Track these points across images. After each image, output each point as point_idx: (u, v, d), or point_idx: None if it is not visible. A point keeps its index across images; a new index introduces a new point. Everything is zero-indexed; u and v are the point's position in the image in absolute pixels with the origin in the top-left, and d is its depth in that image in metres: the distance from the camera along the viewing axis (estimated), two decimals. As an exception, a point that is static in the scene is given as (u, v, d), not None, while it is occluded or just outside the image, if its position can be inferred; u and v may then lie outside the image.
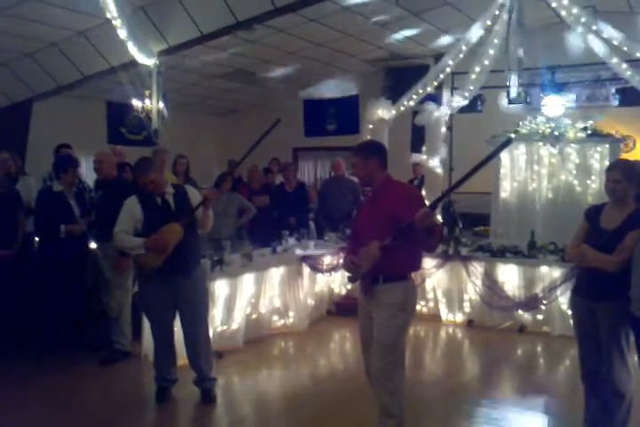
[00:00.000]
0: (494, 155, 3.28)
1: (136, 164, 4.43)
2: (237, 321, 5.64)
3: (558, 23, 6.99)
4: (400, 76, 10.60)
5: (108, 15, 7.13)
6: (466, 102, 7.67)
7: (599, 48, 6.68)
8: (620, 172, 3.56)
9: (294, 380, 5.17)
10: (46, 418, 4.21)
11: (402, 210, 3.29)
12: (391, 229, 3.29)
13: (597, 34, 6.62)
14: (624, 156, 7.47)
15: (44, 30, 7.57)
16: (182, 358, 4.61)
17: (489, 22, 7.14)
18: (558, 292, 5.83)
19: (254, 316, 5.91)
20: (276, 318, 6.20)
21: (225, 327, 5.53)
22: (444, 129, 8.01)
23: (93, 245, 5.62)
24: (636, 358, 3.44)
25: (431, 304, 6.80)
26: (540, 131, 7.20)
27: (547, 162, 7.31)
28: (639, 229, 3.36)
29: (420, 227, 3.17)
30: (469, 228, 7.51)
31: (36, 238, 5.77)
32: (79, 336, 5.58)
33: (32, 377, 4.89)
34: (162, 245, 4.15)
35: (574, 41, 7.42)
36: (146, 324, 4.95)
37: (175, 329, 4.55)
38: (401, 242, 3.28)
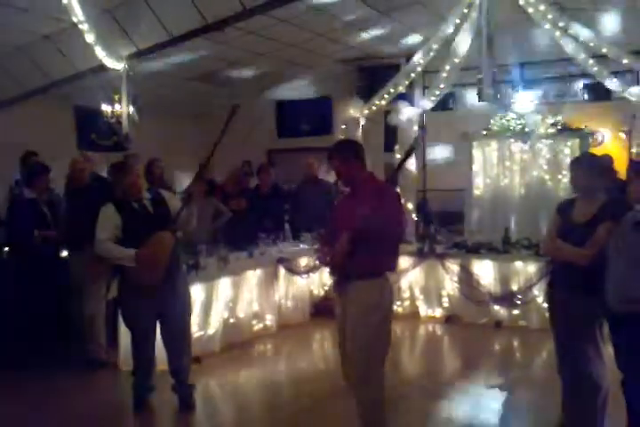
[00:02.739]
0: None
1: (113, 167, 4.37)
2: (214, 326, 5.59)
3: (527, 20, 7.04)
4: (372, 75, 10.60)
5: (74, 19, 7.03)
6: (435, 101, 7.70)
7: (566, 45, 6.76)
8: (581, 165, 3.64)
9: (274, 383, 5.15)
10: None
11: (376, 210, 3.28)
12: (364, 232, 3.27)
13: (564, 30, 6.69)
14: (593, 150, 7.56)
15: (8, 35, 7.43)
16: (161, 363, 4.55)
17: (458, 20, 7.18)
18: (535, 290, 5.89)
19: (232, 320, 5.85)
20: (254, 321, 6.15)
21: (202, 333, 5.47)
22: (416, 128, 8.04)
23: (65, 253, 5.53)
24: (610, 349, 3.47)
25: (407, 303, 6.82)
26: (511, 127, 7.27)
27: (518, 158, 7.40)
28: (610, 221, 3.39)
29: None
30: (444, 225, 7.54)
31: (6, 248, 5.66)
32: (52, 345, 5.48)
33: (2, 387, 4.80)
34: (157, 259, 4.07)
35: (542, 38, 7.50)
36: (122, 332, 4.87)
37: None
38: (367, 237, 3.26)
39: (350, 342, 3.46)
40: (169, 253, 4.12)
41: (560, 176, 7.21)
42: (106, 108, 8.10)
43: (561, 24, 6.67)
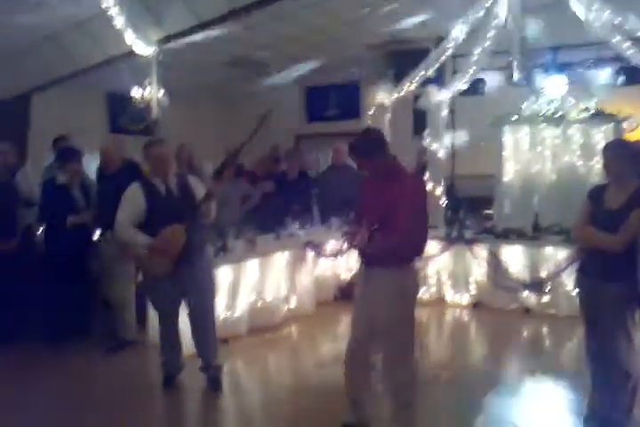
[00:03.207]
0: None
1: (146, 143, 4.41)
2: (241, 307, 5.65)
3: (559, 2, 6.89)
4: (401, 60, 10.48)
5: (104, 4, 7.08)
6: (465, 86, 7.61)
7: (601, 27, 6.60)
8: (614, 150, 3.59)
9: (300, 365, 5.20)
10: (53, 407, 4.23)
11: (400, 204, 3.28)
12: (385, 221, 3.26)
13: (598, 13, 6.53)
14: (628, 135, 7.40)
15: (39, 23, 7.51)
16: (188, 347, 4.62)
17: (489, 3, 7.06)
18: (564, 276, 5.83)
19: (259, 302, 5.91)
20: (280, 303, 6.20)
21: (229, 314, 5.54)
22: (445, 112, 7.96)
23: (97, 235, 5.62)
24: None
25: (434, 289, 6.80)
26: (543, 112, 7.15)
27: (550, 143, 7.26)
28: (642, 207, 3.33)
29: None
30: (473, 211, 7.48)
31: (40, 230, 5.78)
32: (84, 326, 5.60)
33: (37, 367, 4.93)
34: (168, 251, 4.12)
35: (575, 20, 7.33)
36: (151, 312, 4.97)
37: (181, 316, 4.56)
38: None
39: (382, 332, 3.49)
40: (180, 247, 4.15)
41: (592, 162, 7.07)
42: (136, 93, 8.15)
43: (595, 6, 6.52)
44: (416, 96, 8.07)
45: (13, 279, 5.36)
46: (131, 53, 7.84)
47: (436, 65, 7.61)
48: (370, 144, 3.47)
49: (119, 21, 7.27)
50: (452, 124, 8.81)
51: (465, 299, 6.62)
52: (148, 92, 8.15)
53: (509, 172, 7.46)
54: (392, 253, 3.36)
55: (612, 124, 7.07)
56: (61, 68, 8.41)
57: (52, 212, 5.38)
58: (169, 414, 4.24)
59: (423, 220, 3.54)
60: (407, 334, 3.51)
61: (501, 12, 6.99)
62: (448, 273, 6.70)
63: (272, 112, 4.14)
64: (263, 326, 5.90)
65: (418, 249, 3.58)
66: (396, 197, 3.32)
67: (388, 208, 3.30)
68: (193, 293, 4.37)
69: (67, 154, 5.58)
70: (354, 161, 3.63)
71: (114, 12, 7.13)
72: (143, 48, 7.80)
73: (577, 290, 3.85)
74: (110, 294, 5.45)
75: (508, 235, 6.45)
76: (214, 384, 4.49)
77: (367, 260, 3.54)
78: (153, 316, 4.88)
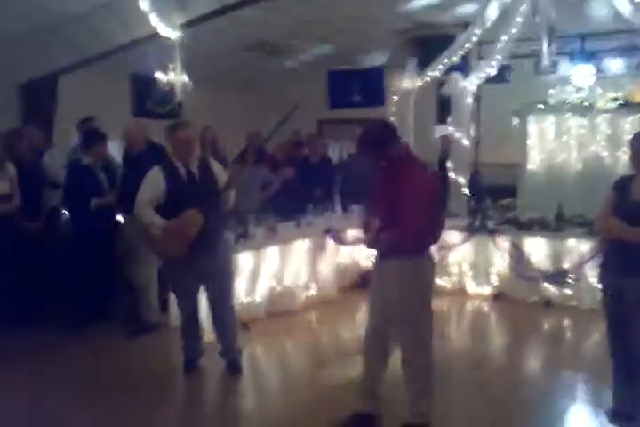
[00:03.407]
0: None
1: (171, 125, 4.43)
2: (261, 293, 5.69)
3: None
4: (426, 46, 10.36)
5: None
6: (493, 72, 7.50)
7: (631, 15, 6.46)
8: None
9: (320, 351, 5.23)
10: (75, 389, 4.30)
11: (406, 201, 3.29)
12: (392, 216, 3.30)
13: (630, 0, 6.40)
14: (656, 126, 7.27)
15: (66, 3, 7.54)
16: (208, 333, 4.67)
17: (517, -11, 6.94)
18: (586, 268, 5.77)
19: (278, 288, 5.94)
20: (300, 290, 6.23)
21: (249, 299, 5.58)
22: (470, 100, 7.87)
23: (121, 218, 5.67)
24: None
25: (455, 278, 6.78)
26: (569, 101, 7.04)
27: (576, 133, 7.16)
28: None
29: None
30: (496, 200, 7.42)
31: (65, 211, 5.84)
32: (108, 308, 5.68)
33: (61, 349, 5.00)
34: (182, 235, 4.14)
35: (605, 7, 7.18)
36: (173, 296, 5.02)
37: (201, 301, 4.60)
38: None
39: (398, 322, 3.52)
40: (195, 233, 4.16)
41: (619, 153, 6.97)
42: (160, 76, 8.16)
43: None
44: (441, 83, 7.98)
45: (38, 261, 5.43)
46: (156, 35, 7.85)
47: (462, 52, 7.52)
48: (378, 141, 3.43)
49: (144, 4, 7.27)
50: (477, 112, 8.72)
51: (486, 290, 6.59)
52: (172, 76, 8.16)
53: (534, 161, 7.38)
54: (404, 246, 3.37)
55: (640, 115, 6.94)
56: (88, 48, 8.43)
57: (76, 193, 5.43)
58: (188, 398, 4.29)
59: (436, 210, 3.54)
60: (423, 322, 3.53)
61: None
62: (469, 263, 6.67)
63: (298, 106, 4.12)
64: (283, 310, 5.93)
65: (432, 239, 3.59)
66: (408, 188, 3.32)
67: (399, 200, 3.32)
68: (211, 278, 4.41)
69: (91, 136, 5.63)
70: (363, 154, 3.58)
71: (139, -5, 7.12)
72: (168, 32, 7.80)
73: (600, 286, 3.81)
74: (134, 276, 5.49)
75: (531, 225, 6.38)
76: (234, 369, 4.53)
77: (380, 252, 3.57)
78: (174, 300, 4.93)
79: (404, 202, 3.29)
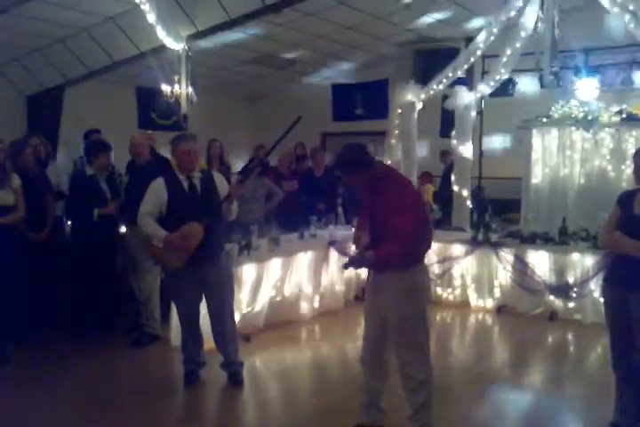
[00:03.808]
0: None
1: (175, 137, 4.46)
2: (263, 304, 5.68)
3: (592, 4, 6.79)
4: (430, 59, 10.44)
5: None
6: (494, 87, 7.53)
7: (635, 29, 6.49)
8: None
9: (321, 363, 5.21)
10: (76, 400, 4.28)
11: (389, 215, 3.32)
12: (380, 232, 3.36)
13: (634, 14, 6.42)
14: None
15: (74, 16, 7.62)
16: (209, 341, 4.66)
17: (521, 3, 6.98)
18: (591, 284, 5.75)
19: (281, 299, 5.93)
20: (302, 302, 6.22)
21: (251, 311, 5.57)
22: (474, 113, 7.89)
23: (124, 228, 5.68)
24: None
25: (458, 291, 6.76)
26: (573, 115, 7.04)
27: (579, 147, 7.15)
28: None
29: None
30: (499, 214, 7.41)
31: (68, 222, 5.85)
32: (109, 319, 5.66)
33: (62, 359, 4.98)
34: (183, 247, 4.16)
35: (609, 22, 7.21)
36: (174, 307, 5.00)
37: (201, 313, 4.59)
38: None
39: (393, 334, 3.51)
40: (195, 245, 4.17)
41: (623, 167, 6.96)
42: (165, 88, 8.22)
43: (631, 7, 6.40)
44: (444, 96, 8.02)
45: (42, 271, 5.43)
46: (162, 48, 7.92)
47: (466, 65, 7.55)
48: (355, 160, 3.45)
49: (150, 17, 7.34)
50: (481, 126, 8.75)
51: (489, 302, 6.57)
52: (177, 88, 8.22)
53: (537, 175, 7.37)
54: (395, 259, 3.37)
55: (645, 129, 6.94)
56: (95, 61, 8.52)
57: (79, 203, 5.45)
58: (189, 410, 4.27)
59: (423, 222, 3.54)
60: (419, 333, 3.52)
61: (533, 12, 6.91)
62: (473, 276, 6.65)
63: (301, 118, 4.19)
64: (285, 322, 5.92)
65: (423, 249, 3.60)
66: (392, 204, 3.35)
67: (385, 217, 3.35)
68: (211, 290, 4.41)
69: (96, 147, 5.65)
70: (352, 184, 3.66)
71: (146, 7, 7.20)
72: (173, 44, 7.88)
73: (603, 299, 3.79)
74: (136, 286, 5.48)
75: (535, 239, 6.38)
76: (235, 380, 4.52)
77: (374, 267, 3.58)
78: (175, 311, 4.92)
79: (391, 218, 3.32)
